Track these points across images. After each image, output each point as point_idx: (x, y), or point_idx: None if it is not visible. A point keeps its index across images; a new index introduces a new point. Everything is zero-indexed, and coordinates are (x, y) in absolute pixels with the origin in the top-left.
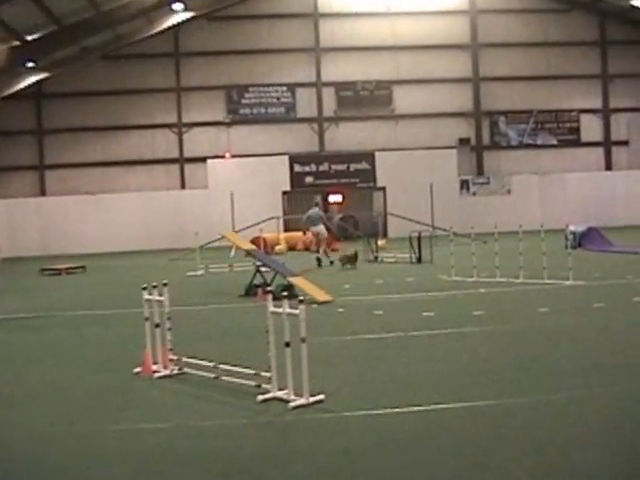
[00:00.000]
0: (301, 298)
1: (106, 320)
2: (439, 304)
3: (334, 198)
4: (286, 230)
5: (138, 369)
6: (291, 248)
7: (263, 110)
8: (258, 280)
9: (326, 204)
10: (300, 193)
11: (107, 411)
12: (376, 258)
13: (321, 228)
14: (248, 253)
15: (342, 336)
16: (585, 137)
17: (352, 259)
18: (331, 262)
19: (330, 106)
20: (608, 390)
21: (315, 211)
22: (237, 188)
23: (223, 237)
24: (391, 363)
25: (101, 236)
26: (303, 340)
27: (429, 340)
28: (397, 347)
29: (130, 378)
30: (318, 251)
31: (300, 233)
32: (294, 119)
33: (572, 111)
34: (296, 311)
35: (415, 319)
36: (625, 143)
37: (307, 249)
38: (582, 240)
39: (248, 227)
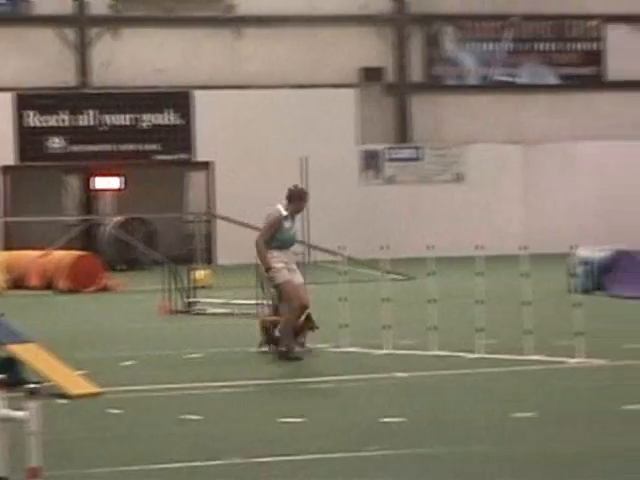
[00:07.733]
0: (35, 386)
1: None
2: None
3: (105, 183)
4: (8, 247)
5: None
6: (17, 284)
7: None
8: None
9: (88, 193)
10: (37, 171)
11: None
12: (189, 306)
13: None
14: None
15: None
16: (614, 71)
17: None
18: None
19: None
20: None
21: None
22: None
23: None
24: None
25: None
26: (33, 475)
27: None
28: None
29: None
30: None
31: (35, 252)
32: (25, 18)
33: (590, 18)
34: (20, 413)
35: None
36: None
37: (50, 287)
38: (605, 276)
39: None
